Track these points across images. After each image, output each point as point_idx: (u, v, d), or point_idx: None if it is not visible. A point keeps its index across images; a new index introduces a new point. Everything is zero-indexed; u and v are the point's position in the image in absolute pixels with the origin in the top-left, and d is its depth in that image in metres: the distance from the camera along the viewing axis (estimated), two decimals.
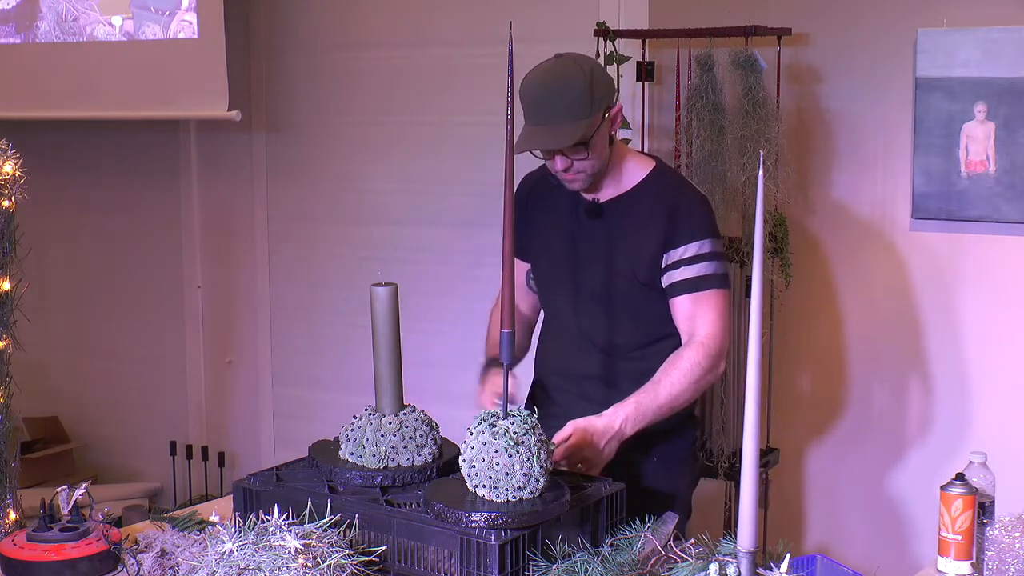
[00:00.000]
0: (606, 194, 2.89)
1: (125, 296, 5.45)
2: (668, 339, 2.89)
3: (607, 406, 2.76)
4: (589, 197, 2.89)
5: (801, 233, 3.92)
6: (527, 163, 2.88)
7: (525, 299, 3.10)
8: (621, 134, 2.99)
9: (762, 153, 2.02)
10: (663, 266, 2.83)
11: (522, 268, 3.06)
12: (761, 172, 1.86)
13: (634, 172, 2.89)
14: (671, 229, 2.81)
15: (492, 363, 2.96)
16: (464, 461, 2.26)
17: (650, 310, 2.89)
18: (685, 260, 2.81)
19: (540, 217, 2.98)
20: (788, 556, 1.90)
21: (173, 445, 5.24)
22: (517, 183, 2.94)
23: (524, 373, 2.93)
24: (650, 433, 2.83)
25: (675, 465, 3.00)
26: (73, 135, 5.34)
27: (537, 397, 3.06)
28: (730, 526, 3.81)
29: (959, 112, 3.63)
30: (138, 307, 5.43)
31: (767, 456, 3.91)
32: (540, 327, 3.12)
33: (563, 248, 2.94)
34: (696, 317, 2.81)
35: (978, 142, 3.61)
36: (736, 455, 3.80)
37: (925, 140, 3.69)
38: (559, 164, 2.78)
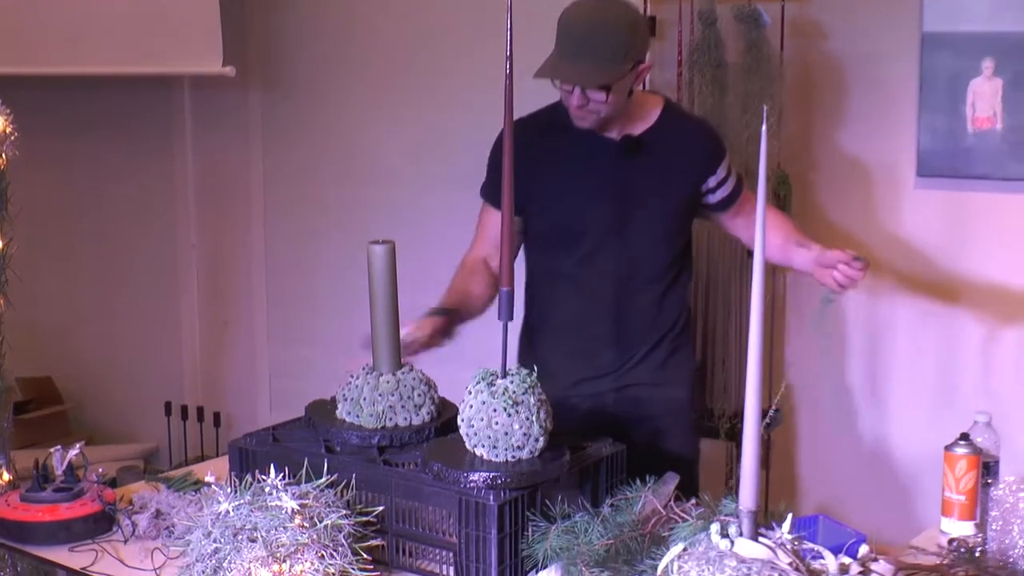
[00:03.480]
0: (635, 130, 2.91)
1: (119, 255, 5.44)
2: (685, 264, 3.03)
3: (606, 355, 2.94)
4: (617, 135, 2.89)
5: (804, 192, 3.91)
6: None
7: (496, 256, 3.06)
8: None
9: (765, 109, 2.01)
10: (706, 189, 2.97)
11: (495, 222, 2.94)
12: (764, 129, 1.85)
13: (650, 108, 2.94)
14: (708, 154, 2.96)
15: (436, 312, 2.89)
16: (462, 421, 2.27)
17: (680, 238, 3.00)
18: (723, 178, 2.97)
19: (555, 164, 2.93)
20: (790, 516, 1.90)
21: (168, 405, 5.24)
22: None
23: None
24: (653, 392, 2.94)
25: (679, 426, 3.03)
26: (63, 92, 5.31)
27: (524, 360, 3.07)
28: (731, 486, 3.82)
29: (966, 68, 3.60)
30: (132, 267, 5.42)
31: (768, 417, 3.91)
32: (533, 284, 3.09)
33: (597, 189, 2.91)
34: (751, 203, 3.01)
35: (985, 99, 3.59)
36: (737, 416, 3.81)
37: (931, 97, 3.67)
38: (576, 99, 2.79)
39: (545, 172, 2.92)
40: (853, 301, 3.92)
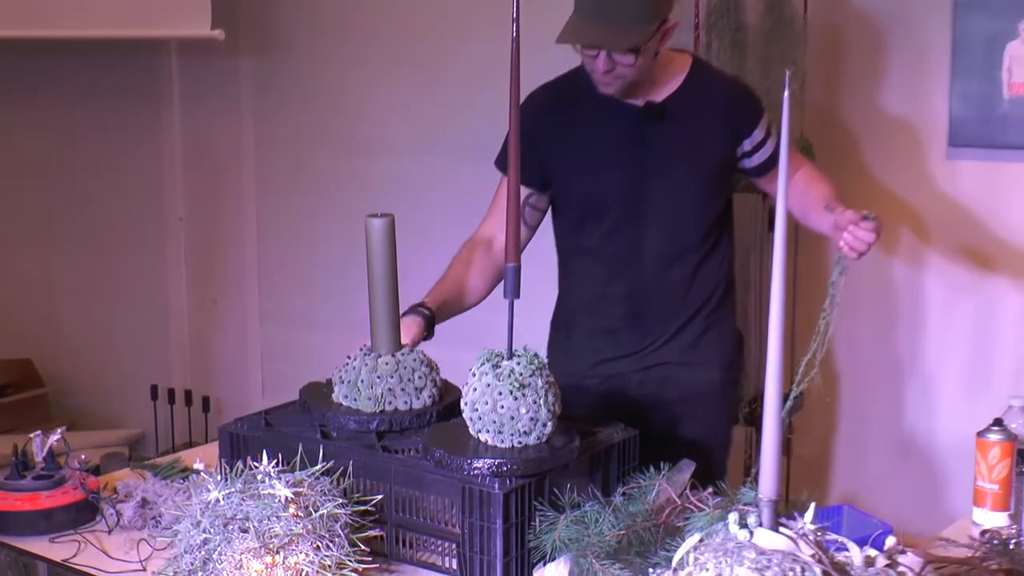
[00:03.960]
0: (659, 95, 2.90)
1: (102, 230, 5.44)
2: (723, 232, 3.01)
3: (630, 334, 2.95)
4: (640, 101, 2.88)
5: (828, 162, 3.89)
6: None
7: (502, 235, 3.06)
8: None
9: (788, 74, 2.00)
10: (741, 153, 2.96)
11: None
12: (787, 95, 1.84)
13: (676, 68, 2.93)
14: (741, 115, 2.95)
15: (415, 309, 2.82)
16: (466, 404, 2.27)
17: (714, 206, 2.98)
18: (760, 141, 2.95)
19: (578, 133, 2.93)
20: (813, 506, 1.90)
21: (154, 389, 5.26)
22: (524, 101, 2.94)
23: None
24: (680, 372, 2.97)
25: (708, 410, 3.05)
26: (41, 57, 5.31)
27: (555, 348, 3.08)
28: (750, 474, 3.81)
29: (1002, 31, 3.58)
30: (116, 242, 5.42)
31: (790, 401, 3.91)
32: (562, 261, 3.09)
33: (620, 159, 2.91)
34: (803, 167, 3.03)
35: (1022, 63, 3.58)
36: (757, 400, 3.81)
37: (964, 61, 3.65)
38: (602, 65, 2.77)
39: (568, 143, 2.93)
40: (873, 276, 3.92)
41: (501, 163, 3.00)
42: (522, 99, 2.38)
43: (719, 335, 3.05)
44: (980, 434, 2.50)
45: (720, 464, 3.08)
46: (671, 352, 3.00)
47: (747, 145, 2.95)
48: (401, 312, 2.61)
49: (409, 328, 2.72)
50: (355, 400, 2.46)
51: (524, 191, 2.95)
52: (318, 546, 2.09)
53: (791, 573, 1.75)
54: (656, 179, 2.90)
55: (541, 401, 2.22)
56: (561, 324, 3.10)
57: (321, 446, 2.32)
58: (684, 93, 2.91)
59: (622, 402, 2.95)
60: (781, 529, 1.83)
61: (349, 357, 2.52)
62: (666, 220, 2.92)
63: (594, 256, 2.99)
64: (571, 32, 2.72)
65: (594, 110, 2.90)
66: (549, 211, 3.05)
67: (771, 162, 2.97)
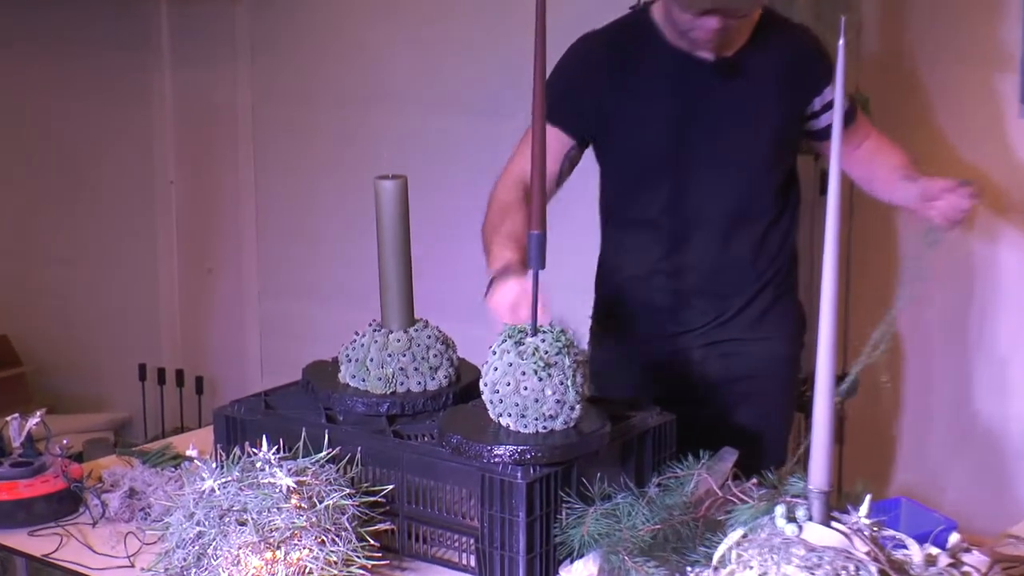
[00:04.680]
0: (730, 48, 2.89)
1: (86, 194, 5.45)
2: (789, 198, 3.01)
3: (695, 308, 2.96)
4: (709, 55, 2.87)
5: (887, 118, 3.87)
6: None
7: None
8: None
9: (843, 21, 1.99)
10: (809, 113, 2.98)
11: (557, 148, 2.92)
12: (842, 44, 1.84)
13: (747, 19, 2.90)
14: (811, 72, 2.95)
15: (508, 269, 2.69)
16: (486, 386, 2.27)
17: (781, 170, 2.99)
18: (831, 100, 2.89)
19: (638, 86, 2.92)
20: (868, 498, 1.90)
21: (143, 368, 5.27)
22: (568, 46, 2.95)
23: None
24: (745, 348, 2.99)
25: (773, 389, 3.07)
26: (19, 5, 5.31)
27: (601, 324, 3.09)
28: (800, 463, 3.81)
29: None
30: (101, 207, 5.43)
31: (843, 383, 3.90)
32: (609, 225, 3.09)
33: (684, 117, 2.91)
34: (871, 135, 3.05)
35: None
36: (807, 382, 3.80)
37: None
38: (715, 23, 2.77)
39: (626, 96, 2.91)
40: (940, 249, 3.90)
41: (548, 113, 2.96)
42: (552, 47, 2.36)
43: (785, 309, 3.07)
44: None
45: (781, 448, 3.08)
46: (736, 327, 3.01)
47: (817, 104, 2.96)
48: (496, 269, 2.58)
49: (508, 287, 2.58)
50: (363, 380, 2.46)
51: (566, 142, 2.94)
52: (323, 540, 2.10)
53: (844, 572, 1.76)
54: (722, 140, 2.91)
55: (568, 382, 2.22)
56: (608, 300, 3.09)
57: (326, 431, 2.33)
58: (754, 47, 2.90)
59: (681, 381, 2.97)
60: (833, 524, 1.83)
61: (357, 333, 2.52)
62: (732, 185, 2.93)
63: (650, 225, 2.98)
64: None
65: (657, 61, 2.90)
66: (594, 174, 3.04)
67: (846, 121, 2.96)
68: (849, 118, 3.00)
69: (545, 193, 2.30)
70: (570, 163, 2.97)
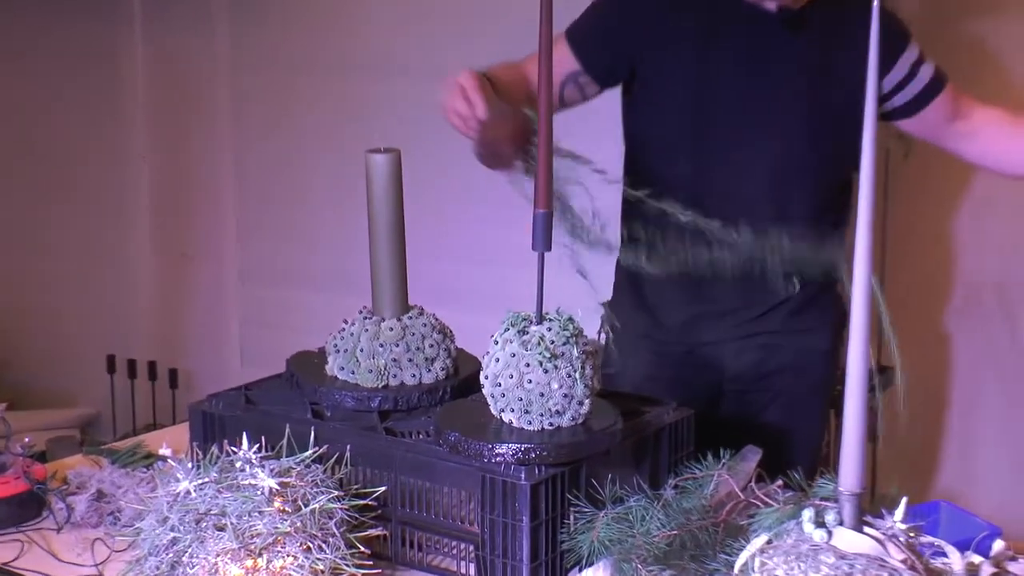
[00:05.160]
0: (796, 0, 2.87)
1: (48, 170, 5.45)
2: (849, 185, 2.97)
3: (734, 295, 2.92)
4: (772, 4, 2.84)
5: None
6: None
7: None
8: None
9: None
10: (886, 88, 2.93)
11: (565, 64, 2.91)
12: (876, 6, 1.84)
13: None
14: (889, 37, 2.86)
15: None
16: (487, 378, 2.27)
17: (843, 144, 2.89)
18: (902, 81, 2.93)
19: (686, 31, 2.88)
20: (904, 501, 1.90)
21: (111, 360, 5.28)
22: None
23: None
24: (784, 341, 2.99)
25: (809, 386, 3.07)
26: None
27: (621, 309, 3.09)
28: (830, 463, 3.82)
29: None
30: (65, 184, 5.43)
31: (879, 376, 3.90)
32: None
33: (737, 72, 2.88)
34: (962, 105, 2.99)
35: None
36: (839, 375, 3.81)
37: None
38: None
39: (665, 42, 2.89)
40: (987, 224, 3.90)
41: (570, 29, 2.94)
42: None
43: (832, 298, 3.07)
44: None
45: (812, 447, 3.09)
46: (776, 318, 3.01)
47: (885, 84, 2.92)
48: None
49: (473, 84, 2.64)
50: (353, 373, 2.47)
51: (574, 64, 2.92)
52: (308, 547, 2.10)
53: None
54: (777, 103, 2.88)
55: (577, 374, 2.22)
56: (630, 282, 3.08)
57: (312, 428, 2.33)
58: (822, 2, 2.87)
59: (711, 374, 2.99)
60: (866, 529, 1.83)
61: (346, 321, 2.53)
62: (787, 154, 2.91)
63: (687, 191, 2.95)
64: None
65: (707, 6, 2.87)
66: (606, 135, 3.02)
67: (920, 101, 2.95)
68: (934, 89, 2.96)
69: (551, 168, 2.29)
70: (577, 87, 2.94)
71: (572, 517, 2.20)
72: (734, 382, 2.99)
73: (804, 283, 2.95)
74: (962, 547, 2.01)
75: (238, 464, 2.16)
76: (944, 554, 1.96)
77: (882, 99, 2.92)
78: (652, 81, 2.91)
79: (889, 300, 3.88)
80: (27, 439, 2.67)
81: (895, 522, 1.86)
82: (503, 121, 2.59)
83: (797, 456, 2.79)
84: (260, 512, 2.09)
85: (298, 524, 2.10)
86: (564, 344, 2.23)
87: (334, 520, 2.15)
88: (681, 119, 2.93)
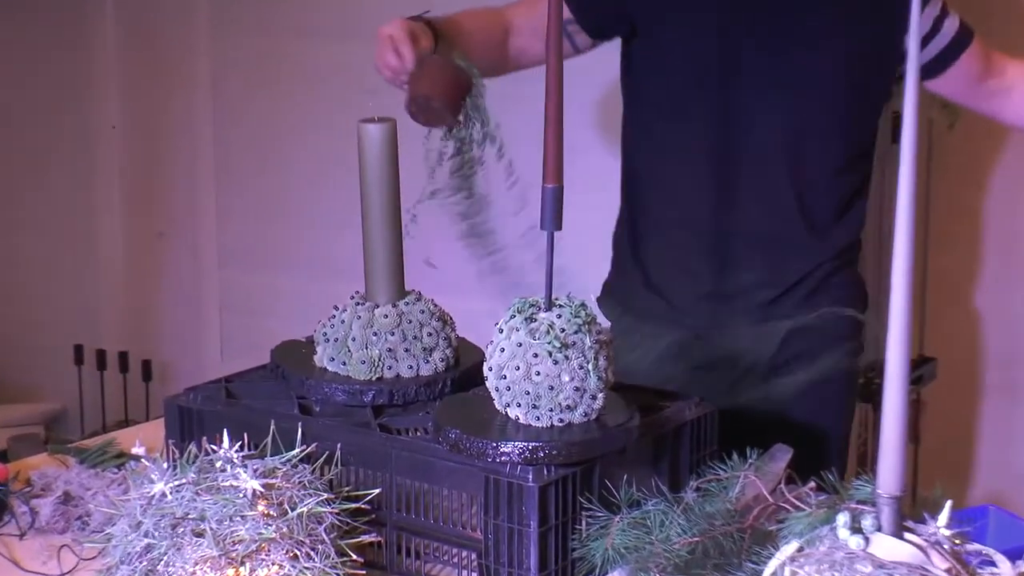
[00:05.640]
0: None
1: (9, 141, 5.45)
2: (869, 153, 3.00)
3: (748, 273, 2.94)
4: None
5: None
6: None
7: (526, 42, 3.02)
8: None
9: None
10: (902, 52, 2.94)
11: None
12: None
13: None
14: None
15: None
16: (491, 370, 2.27)
17: (864, 120, 2.99)
18: (933, 27, 2.93)
19: None
20: (949, 505, 1.90)
21: (79, 350, 5.29)
22: None
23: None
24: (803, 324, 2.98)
25: (831, 376, 3.06)
26: None
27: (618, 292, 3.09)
28: (867, 463, 3.82)
29: None
30: (26, 157, 5.43)
31: (920, 369, 3.91)
32: (635, 159, 3.09)
33: (747, 23, 2.89)
34: (993, 61, 3.01)
35: None
36: (876, 368, 3.81)
37: None
38: None
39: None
40: None
41: None
42: None
43: (852, 276, 3.09)
44: None
45: (842, 444, 3.09)
46: (792, 299, 3.01)
47: (907, 42, 2.92)
48: None
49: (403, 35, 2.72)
50: (344, 364, 2.47)
51: (564, 14, 2.89)
52: (295, 555, 2.11)
53: None
54: (780, 57, 2.89)
55: (590, 366, 2.22)
56: (628, 259, 3.09)
57: (299, 424, 2.33)
58: None
59: (720, 364, 2.99)
60: (906, 535, 1.83)
61: (336, 308, 2.53)
62: (807, 115, 2.92)
63: (694, 158, 2.97)
64: None
65: None
66: (606, 107, 3.04)
67: (943, 60, 2.95)
68: (960, 45, 2.96)
69: (562, 138, 2.29)
70: (568, 40, 2.94)
71: (584, 522, 2.20)
72: (747, 373, 2.99)
73: (821, 259, 2.97)
74: (1013, 556, 2.01)
75: (218, 464, 2.16)
76: (993, 563, 1.96)
77: (904, 59, 2.91)
78: (651, 25, 2.93)
79: (930, 286, 3.91)
80: None
81: (939, 528, 1.86)
82: (436, 74, 2.64)
83: (825, 453, 2.80)
84: (242, 516, 2.09)
85: (284, 530, 2.10)
86: (576, 333, 2.23)
87: (323, 525, 2.16)
88: (684, 70, 2.94)
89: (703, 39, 2.90)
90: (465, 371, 2.49)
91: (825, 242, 2.99)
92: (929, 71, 2.95)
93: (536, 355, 2.21)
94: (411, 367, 2.47)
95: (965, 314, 4.04)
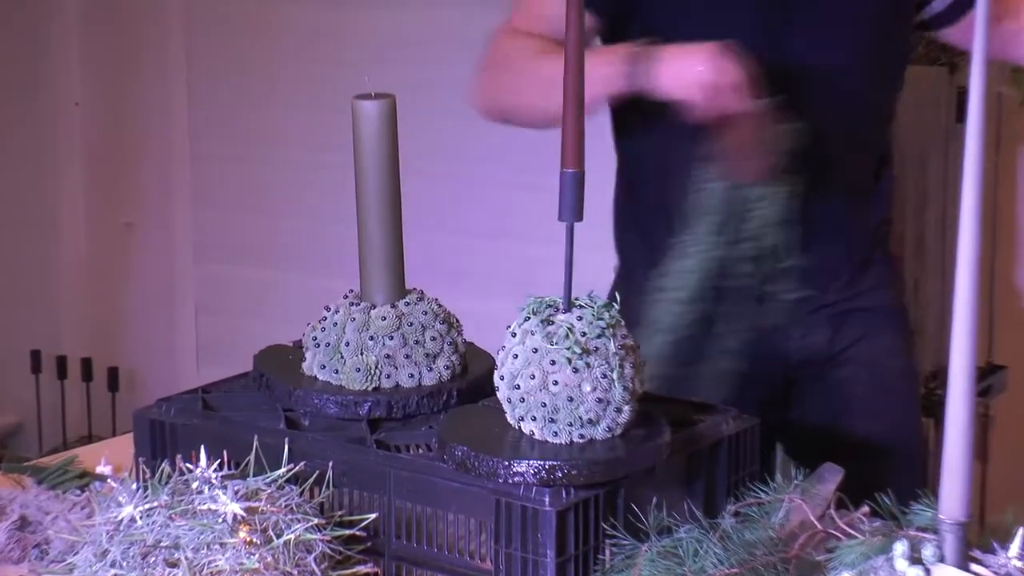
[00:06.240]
0: None
1: None
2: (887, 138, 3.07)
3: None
4: None
5: None
6: None
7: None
8: None
9: None
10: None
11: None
12: None
13: None
14: None
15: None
16: (503, 379, 2.27)
17: (884, 77, 3.03)
18: None
19: None
20: (1021, 532, 1.90)
21: (36, 356, 5.29)
22: None
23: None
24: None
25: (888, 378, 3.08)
26: None
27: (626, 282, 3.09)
28: (928, 485, 3.82)
29: None
30: None
31: (988, 379, 3.91)
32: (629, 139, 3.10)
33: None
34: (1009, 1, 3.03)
35: None
36: (938, 376, 3.81)
37: None
38: None
39: None
40: None
41: None
42: None
43: (886, 262, 3.11)
44: None
45: (907, 463, 3.09)
46: (835, 289, 3.03)
47: None
48: None
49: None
50: (337, 372, 2.47)
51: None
52: None
53: None
54: (810, 33, 2.92)
55: (614, 374, 2.22)
56: (642, 251, 3.10)
57: (286, 440, 2.33)
58: None
59: (758, 371, 2.99)
60: (973, 566, 1.83)
61: (328, 309, 2.53)
62: (823, 94, 2.93)
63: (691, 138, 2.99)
64: None
65: None
66: None
67: (962, 4, 2.97)
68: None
69: (583, 119, 2.29)
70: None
71: (608, 551, 2.20)
72: (790, 380, 2.99)
73: (860, 239, 3.00)
74: None
75: (194, 485, 2.17)
76: None
77: (919, 5, 3.00)
78: (653, 4, 2.97)
79: (999, 283, 3.91)
80: None
81: (1010, 558, 1.86)
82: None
83: (883, 474, 2.80)
84: (221, 544, 2.10)
85: (268, 559, 2.11)
86: (598, 337, 2.23)
87: (313, 555, 2.16)
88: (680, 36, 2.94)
89: (708, 17, 2.94)
90: (473, 380, 2.49)
91: (863, 217, 3.02)
92: (946, 18, 3.02)
93: (554, 362, 2.21)
94: (412, 376, 2.47)
95: None
